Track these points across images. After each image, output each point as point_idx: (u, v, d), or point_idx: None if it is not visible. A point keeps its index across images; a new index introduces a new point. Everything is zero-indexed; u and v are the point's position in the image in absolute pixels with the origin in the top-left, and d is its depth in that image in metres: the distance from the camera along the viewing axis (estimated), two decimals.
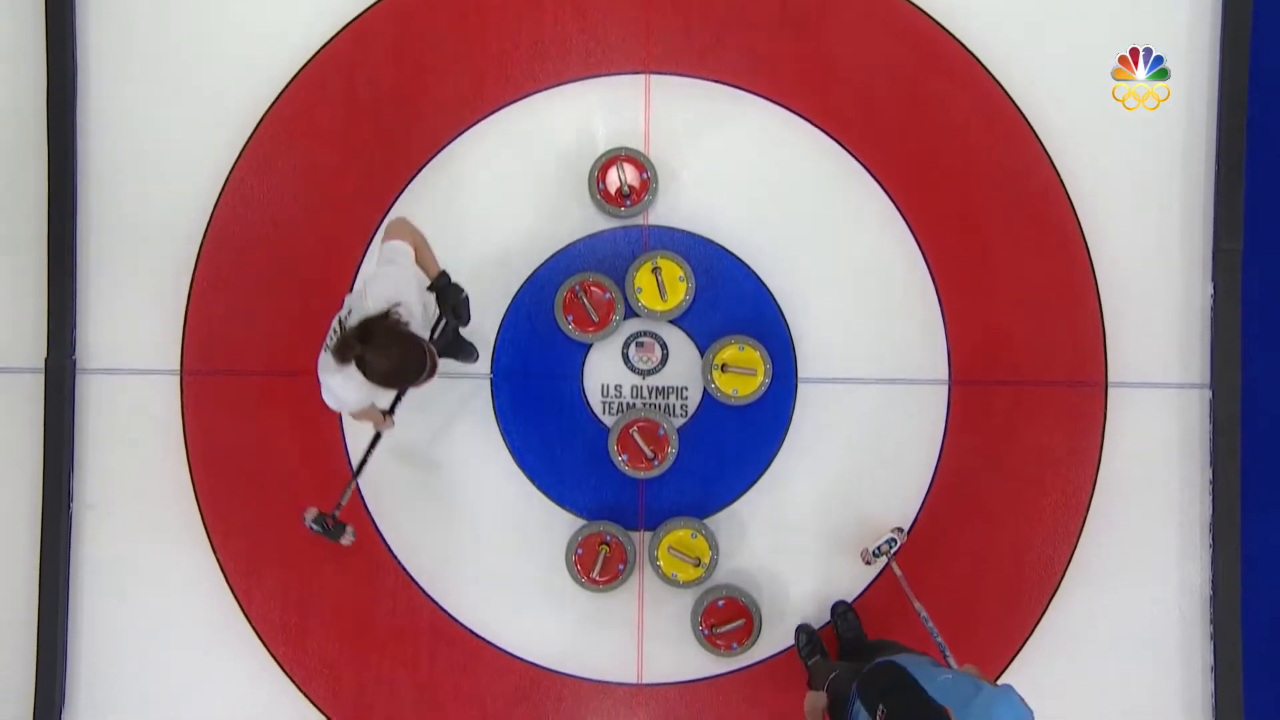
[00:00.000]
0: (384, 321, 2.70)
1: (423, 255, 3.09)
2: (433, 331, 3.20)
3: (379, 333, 2.68)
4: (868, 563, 3.78)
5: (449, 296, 3.16)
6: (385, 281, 2.89)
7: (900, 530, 3.74)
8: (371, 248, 3.85)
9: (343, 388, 2.88)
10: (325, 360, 2.84)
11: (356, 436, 3.99)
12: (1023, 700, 2.61)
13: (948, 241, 3.96)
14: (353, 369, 2.72)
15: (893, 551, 3.72)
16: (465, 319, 3.23)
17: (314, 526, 3.51)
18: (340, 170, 4.04)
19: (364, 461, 3.56)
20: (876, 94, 3.98)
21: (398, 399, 3.41)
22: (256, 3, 4.08)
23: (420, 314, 2.97)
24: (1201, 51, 3.96)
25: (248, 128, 4.06)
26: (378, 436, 3.51)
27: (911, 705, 2.44)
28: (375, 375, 2.71)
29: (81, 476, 4.07)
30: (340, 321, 2.88)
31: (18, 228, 4.09)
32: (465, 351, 3.85)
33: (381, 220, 4.02)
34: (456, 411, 4.01)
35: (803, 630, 3.88)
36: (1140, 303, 3.97)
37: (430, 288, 3.15)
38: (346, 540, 3.55)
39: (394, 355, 2.69)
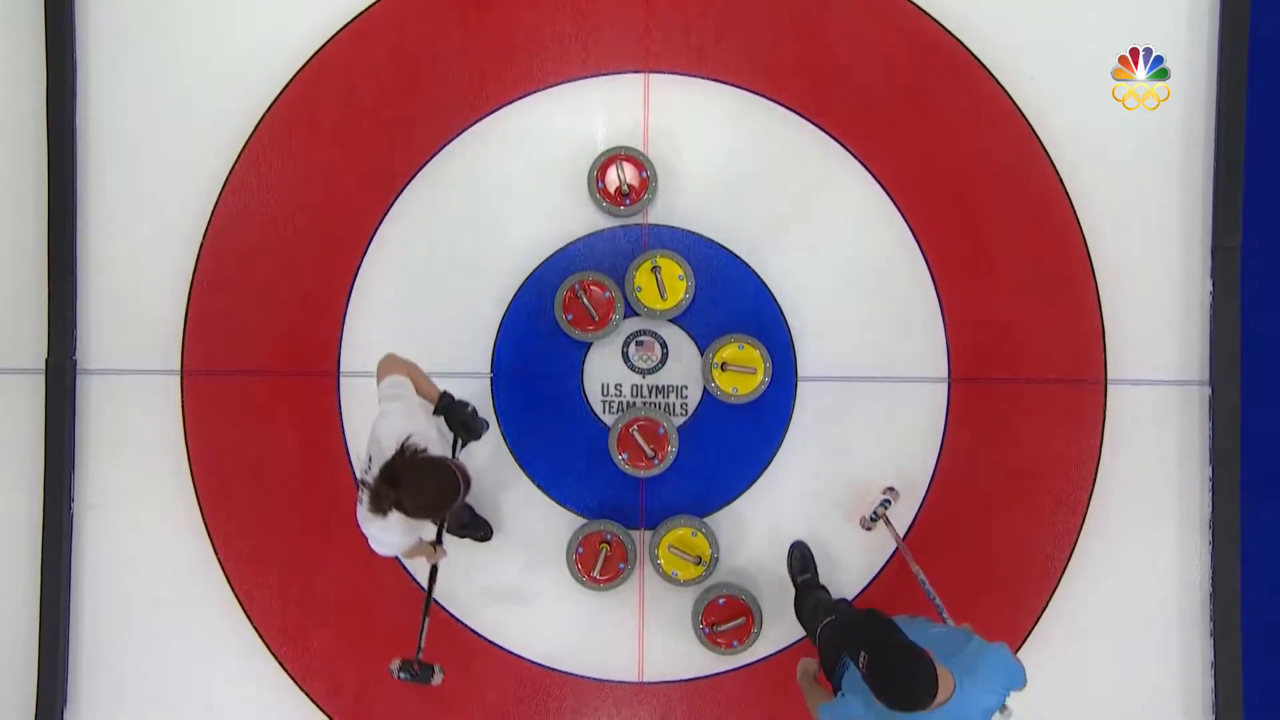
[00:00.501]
0: (404, 459, 2.69)
1: (420, 384, 3.12)
2: (453, 450, 3.21)
3: (404, 471, 2.67)
4: (867, 528, 3.79)
5: (456, 414, 3.20)
6: (393, 418, 2.91)
7: (892, 490, 3.73)
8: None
9: (386, 533, 2.87)
10: (363, 514, 2.83)
11: (358, 435, 4.00)
12: (1016, 658, 2.62)
13: (947, 239, 3.96)
14: (392, 515, 2.71)
15: (887, 512, 3.71)
16: (478, 432, 3.27)
17: (401, 675, 3.41)
18: (340, 170, 4.04)
19: (429, 597, 3.45)
20: (876, 93, 3.98)
21: (440, 527, 3.36)
22: (256, 4, 4.08)
23: (436, 437, 2.98)
24: (1201, 51, 3.96)
25: (248, 128, 4.06)
26: (435, 569, 3.45)
27: (894, 649, 2.45)
28: (418, 512, 2.72)
29: (82, 477, 4.07)
30: (364, 476, 2.85)
31: (18, 228, 4.10)
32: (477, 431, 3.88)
33: (382, 218, 4.03)
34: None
35: (797, 547, 3.88)
36: (1139, 300, 3.97)
37: (436, 411, 3.18)
38: (436, 680, 3.44)
39: (428, 488, 2.68)
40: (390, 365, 3.08)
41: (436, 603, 3.51)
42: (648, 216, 4.00)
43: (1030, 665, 3.83)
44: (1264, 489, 3.94)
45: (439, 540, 3.38)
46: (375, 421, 2.94)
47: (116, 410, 4.08)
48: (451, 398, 3.20)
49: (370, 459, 2.86)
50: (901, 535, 3.71)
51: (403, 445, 2.71)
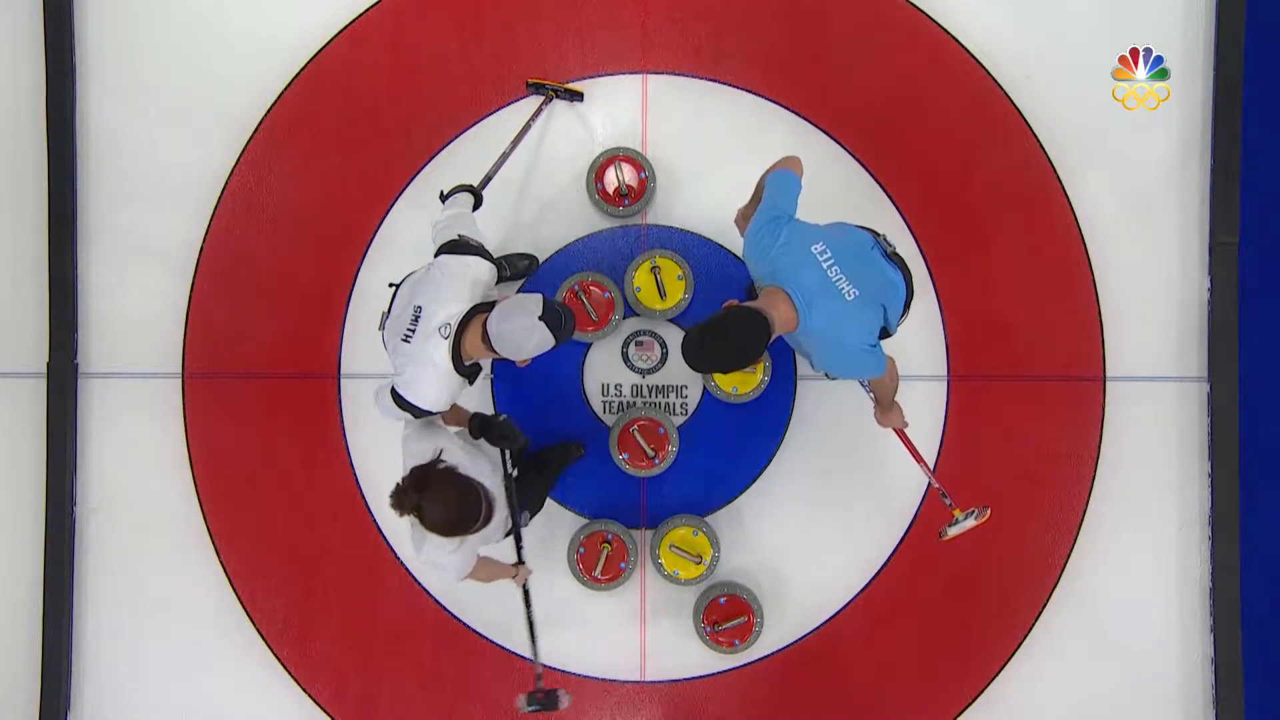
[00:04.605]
0: (437, 468, 2.68)
1: (451, 411, 3.10)
2: (504, 465, 3.17)
3: (434, 479, 2.65)
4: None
5: (493, 428, 3.17)
6: (417, 441, 2.92)
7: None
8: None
9: (440, 552, 2.86)
10: (414, 536, 2.83)
11: (359, 437, 4.01)
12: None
13: (946, 238, 3.97)
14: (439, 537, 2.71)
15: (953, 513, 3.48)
16: (519, 439, 3.22)
17: (530, 708, 3.34)
18: (339, 172, 4.04)
19: (530, 622, 3.42)
20: (874, 92, 3.98)
21: (519, 545, 3.31)
22: (255, 6, 4.08)
23: (468, 460, 2.95)
24: (1201, 51, 3.96)
25: (247, 129, 4.06)
26: (526, 591, 3.41)
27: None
28: (434, 523, 2.67)
29: (84, 480, 4.08)
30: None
31: (18, 232, 4.10)
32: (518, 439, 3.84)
33: (382, 220, 4.03)
34: None
35: None
36: (1138, 297, 3.98)
37: (474, 435, 3.16)
38: (564, 704, 3.38)
39: (452, 501, 2.66)
40: None
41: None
42: (646, 217, 4.01)
43: (1030, 661, 3.93)
44: (1262, 484, 3.95)
45: (520, 560, 3.34)
46: (405, 438, 2.96)
47: (118, 413, 4.09)
48: (483, 416, 3.20)
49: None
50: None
51: (437, 457, 2.72)
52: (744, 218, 3.16)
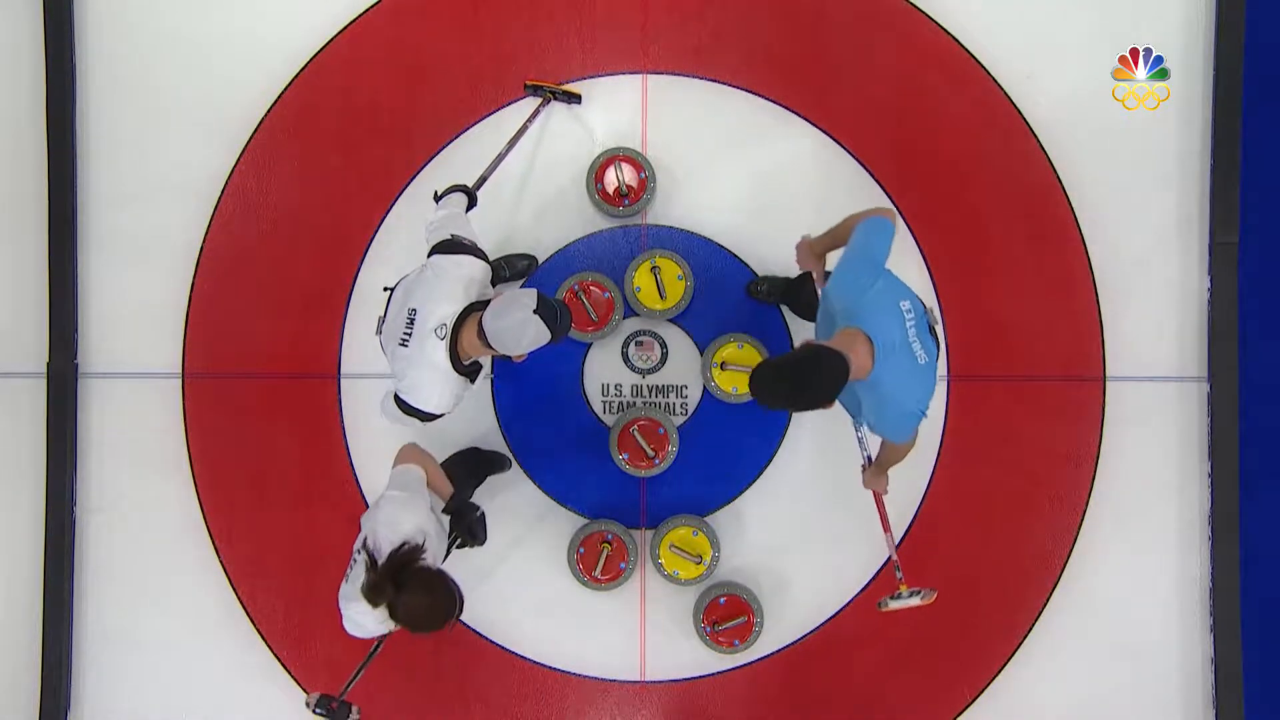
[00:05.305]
0: (418, 566, 2.64)
1: (434, 479, 3.08)
2: (448, 549, 3.14)
3: (415, 580, 2.62)
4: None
5: (464, 518, 3.15)
6: (397, 508, 2.85)
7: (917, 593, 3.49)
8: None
9: (365, 617, 2.77)
10: (346, 591, 2.78)
11: (359, 437, 4.01)
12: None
13: (946, 239, 3.97)
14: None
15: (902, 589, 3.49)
16: (482, 538, 3.16)
17: (317, 711, 3.25)
18: (339, 173, 4.04)
19: (374, 652, 3.37)
20: (874, 92, 3.98)
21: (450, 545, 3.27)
22: (255, 6, 4.08)
23: (435, 541, 2.90)
24: (1201, 51, 3.96)
25: (247, 130, 4.06)
26: (382, 640, 3.33)
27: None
28: (405, 621, 2.63)
29: (84, 480, 4.07)
30: (362, 551, 2.76)
31: (18, 232, 4.10)
32: (481, 539, 3.70)
33: (382, 220, 4.03)
34: (457, 411, 4.00)
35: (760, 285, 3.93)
36: (1138, 297, 3.98)
37: (446, 510, 3.14)
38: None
39: (424, 605, 2.62)
40: (408, 454, 3.08)
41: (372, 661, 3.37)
42: (646, 217, 4.01)
43: (1030, 662, 3.94)
44: (1262, 483, 3.95)
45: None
46: (379, 504, 2.90)
47: (118, 414, 4.09)
48: (464, 503, 3.15)
49: (366, 540, 2.79)
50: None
51: (415, 547, 2.67)
52: (809, 250, 3.13)
